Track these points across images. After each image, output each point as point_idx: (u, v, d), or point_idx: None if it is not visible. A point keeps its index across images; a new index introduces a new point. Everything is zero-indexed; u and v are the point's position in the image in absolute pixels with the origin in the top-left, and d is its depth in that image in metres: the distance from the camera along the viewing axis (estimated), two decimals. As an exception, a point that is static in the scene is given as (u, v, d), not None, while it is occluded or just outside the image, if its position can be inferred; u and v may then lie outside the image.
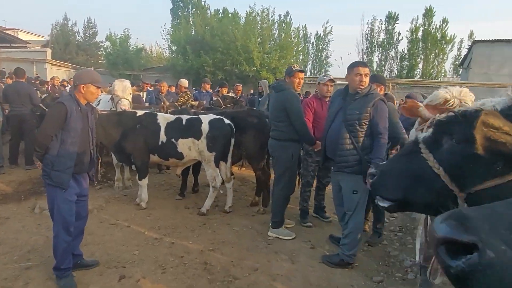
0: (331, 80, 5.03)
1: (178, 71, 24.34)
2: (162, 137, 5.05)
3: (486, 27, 60.95)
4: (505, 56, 23.06)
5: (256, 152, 5.30)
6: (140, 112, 5.21)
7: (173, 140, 5.03)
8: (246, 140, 5.27)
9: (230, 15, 27.13)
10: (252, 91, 17.72)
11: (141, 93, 9.25)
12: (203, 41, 24.42)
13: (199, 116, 5.13)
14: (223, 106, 7.19)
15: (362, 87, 3.79)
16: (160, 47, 40.64)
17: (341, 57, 67.97)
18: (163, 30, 34.78)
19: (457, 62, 37.07)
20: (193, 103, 6.69)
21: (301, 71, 4.49)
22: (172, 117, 5.17)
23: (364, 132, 3.76)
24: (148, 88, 9.83)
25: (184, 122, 5.07)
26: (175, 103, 6.94)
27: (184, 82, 8.55)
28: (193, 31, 26.49)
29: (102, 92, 8.28)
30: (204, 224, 4.92)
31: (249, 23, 24.56)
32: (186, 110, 5.89)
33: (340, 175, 4.03)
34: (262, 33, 24.44)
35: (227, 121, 5.08)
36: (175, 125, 5.06)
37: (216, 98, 8.48)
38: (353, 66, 3.84)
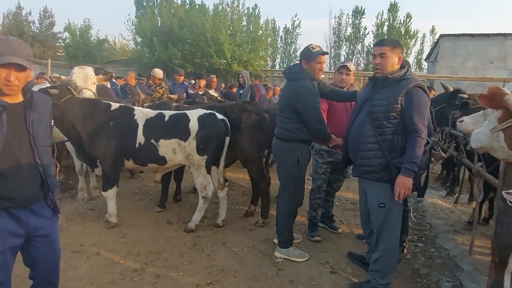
0: (345, 67, 4.14)
1: (145, 63, 22.71)
2: (140, 138, 3.91)
3: (448, 22, 62.92)
4: (469, 50, 23.37)
5: (254, 154, 4.32)
6: (114, 105, 4.05)
7: (153, 141, 3.93)
8: (242, 140, 4.26)
9: (197, 6, 25.66)
10: (223, 85, 16.66)
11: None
12: (170, 33, 22.86)
13: (186, 111, 4.06)
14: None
15: (379, 71, 2.97)
16: (125, 39, 38.39)
17: None
18: (127, 21, 32.54)
19: (420, 57, 37.80)
20: (171, 96, 5.57)
21: (324, 54, 3.51)
22: (153, 113, 4.07)
23: (393, 129, 2.89)
24: (113, 80, 8.54)
25: (167, 118, 3.97)
26: (153, 97, 5.79)
27: (158, 72, 7.40)
28: (160, 22, 24.82)
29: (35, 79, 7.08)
30: (194, 245, 3.89)
31: (219, 14, 23.31)
32: (167, 104, 4.75)
33: (365, 182, 3.16)
34: (233, 24, 23.26)
35: (220, 116, 4.06)
36: (156, 122, 3.95)
37: (191, 91, 7.38)
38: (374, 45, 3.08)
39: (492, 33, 22.88)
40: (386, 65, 2.94)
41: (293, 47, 36.92)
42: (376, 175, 2.98)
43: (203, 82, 7.50)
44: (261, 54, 24.34)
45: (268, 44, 26.13)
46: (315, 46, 3.48)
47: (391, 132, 2.89)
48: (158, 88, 7.08)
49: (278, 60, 36.70)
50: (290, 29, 36.39)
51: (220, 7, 24.13)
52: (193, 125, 3.91)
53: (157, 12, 26.26)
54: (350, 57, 35.99)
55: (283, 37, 36.69)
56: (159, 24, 24.51)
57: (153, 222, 4.45)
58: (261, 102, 7.11)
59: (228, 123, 4.06)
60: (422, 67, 37.29)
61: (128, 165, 4.02)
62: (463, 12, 66.99)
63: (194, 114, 3.99)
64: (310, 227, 4.31)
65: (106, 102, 3.98)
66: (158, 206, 4.83)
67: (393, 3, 35.10)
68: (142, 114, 4.04)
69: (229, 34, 22.24)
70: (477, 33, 23.17)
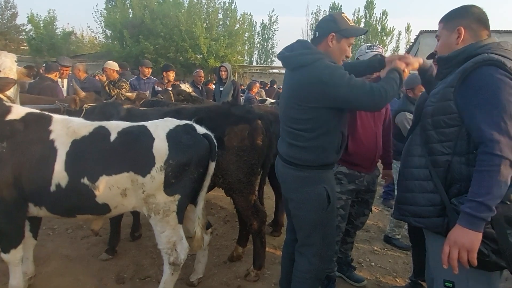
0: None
1: (115, 58, 20.74)
2: (59, 174, 2.21)
3: (424, 20, 63.48)
4: (448, 46, 22.74)
5: (242, 180, 2.87)
6: (16, 112, 2.35)
7: (85, 180, 2.23)
8: (224, 159, 2.81)
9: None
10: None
11: (61, 81, 6.35)
12: (142, 25, 21.00)
13: (145, 124, 2.45)
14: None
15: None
16: (93, 32, 35.86)
17: None
18: (95, 12, 29.92)
19: (395, 53, 37.38)
20: (127, 95, 4.03)
21: (363, 32, 2.13)
22: (86, 128, 2.36)
23: (449, 144, 1.59)
24: (70, 73, 6.87)
25: (113, 137, 2.31)
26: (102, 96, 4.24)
27: (113, 64, 5.80)
28: (131, 14, 22.82)
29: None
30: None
31: (194, 7, 21.58)
32: (114, 106, 3.19)
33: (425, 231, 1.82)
34: (209, 17, 21.62)
35: (201, 129, 2.55)
36: (93, 145, 2.28)
37: (158, 87, 5.79)
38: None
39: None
40: (440, 48, 1.75)
41: (270, 43, 35.64)
42: (426, 221, 1.67)
43: (171, 75, 5.92)
44: (238, 49, 22.85)
45: (245, 39, 24.62)
46: (345, 15, 2.09)
47: (447, 149, 1.58)
48: (120, 82, 5.51)
49: (255, 56, 35.31)
50: (267, 24, 35.05)
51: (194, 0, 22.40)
52: (160, 147, 2.28)
53: (128, 4, 24.15)
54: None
55: (260, 32, 35.32)
56: (130, 16, 22.53)
57: (98, 279, 2.96)
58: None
59: (214, 140, 2.58)
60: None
61: (39, 213, 2.37)
62: (439, 10, 67.74)
63: (160, 129, 2.36)
64: (325, 284, 2.94)
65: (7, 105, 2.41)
66: (106, 251, 3.32)
67: (369, 0, 34.49)
68: (66, 130, 2.30)
69: (205, 28, 20.64)
70: (455, 29, 22.60)
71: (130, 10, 23.16)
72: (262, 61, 35.81)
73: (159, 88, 5.72)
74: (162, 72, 6.10)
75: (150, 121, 2.49)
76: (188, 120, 2.60)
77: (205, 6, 22.33)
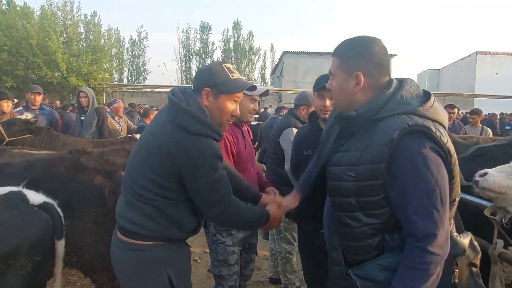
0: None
1: None
2: None
3: (287, 41, 69.58)
4: (308, 66, 25.20)
5: (105, 254, 2.11)
6: None
7: None
8: (78, 231, 2.02)
9: (18, 8, 20.27)
10: (58, 103, 13.05)
11: None
12: (-22, 37, 17.34)
13: None
14: (7, 139, 3.36)
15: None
16: None
17: (164, 63, 63.93)
18: None
19: (263, 71, 39.99)
20: None
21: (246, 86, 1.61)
22: None
23: (381, 224, 1.26)
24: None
25: None
26: None
27: None
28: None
29: None
30: None
31: (47, 18, 18.84)
32: None
33: None
34: (67, 31, 19.14)
35: (36, 197, 1.72)
36: None
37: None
38: None
39: (324, 51, 25.15)
40: (335, 91, 1.39)
41: (141, 59, 33.94)
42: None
43: (5, 106, 4.49)
44: (105, 66, 20.83)
45: (112, 55, 22.63)
46: (234, 70, 1.64)
47: (377, 230, 1.26)
48: None
49: (125, 73, 33.07)
50: (136, 40, 33.26)
51: (48, 9, 19.59)
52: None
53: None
54: (201, 71, 35.66)
55: (129, 48, 33.28)
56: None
57: None
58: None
59: (58, 210, 1.78)
60: (266, 81, 39.39)
61: None
62: (299, 32, 75.33)
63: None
64: None
65: None
66: None
67: (236, 21, 36.11)
68: None
69: (62, 42, 18.17)
70: (312, 51, 25.21)
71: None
72: (134, 79, 33.78)
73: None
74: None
75: None
76: (14, 185, 1.79)
77: (61, 18, 19.75)
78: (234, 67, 1.63)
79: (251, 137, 2.62)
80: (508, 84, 23.60)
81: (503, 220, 1.96)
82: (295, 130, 3.03)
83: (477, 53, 25.95)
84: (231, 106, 1.55)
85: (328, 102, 2.17)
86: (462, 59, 27.96)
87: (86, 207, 2.05)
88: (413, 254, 1.16)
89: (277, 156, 2.99)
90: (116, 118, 5.94)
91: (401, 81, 1.36)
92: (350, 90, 1.33)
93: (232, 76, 1.53)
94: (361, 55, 1.31)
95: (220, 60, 32.17)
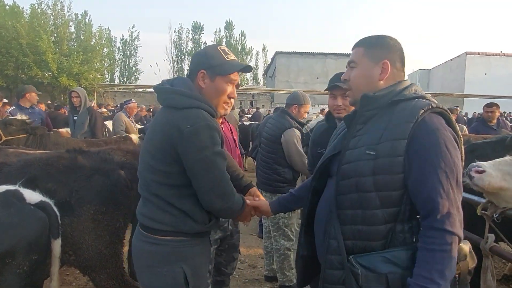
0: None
1: None
2: None
3: (280, 42, 69.58)
4: (300, 66, 25.33)
5: (103, 253, 2.13)
6: None
7: None
8: (76, 230, 2.02)
9: (7, 7, 20.00)
10: (50, 103, 12.90)
11: None
12: (-34, 36, 17.07)
13: None
14: (4, 139, 3.37)
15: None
16: None
17: (156, 63, 63.57)
18: None
19: (255, 72, 40.00)
20: None
21: (241, 67, 1.60)
22: None
23: (393, 211, 1.22)
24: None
25: None
26: None
27: None
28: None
29: None
30: None
31: (38, 17, 18.61)
32: None
33: None
34: (57, 30, 18.93)
35: (32, 195, 1.74)
36: None
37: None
38: None
39: (316, 52, 25.30)
40: (356, 78, 1.39)
41: (133, 59, 33.69)
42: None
43: None
44: (96, 66, 20.66)
45: (104, 55, 22.45)
46: (229, 52, 1.66)
47: (389, 217, 1.22)
48: None
49: (117, 73, 32.81)
50: (128, 40, 33.00)
51: (39, 9, 19.34)
52: None
53: None
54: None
55: (121, 48, 33.01)
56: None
57: None
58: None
59: (55, 209, 1.78)
60: (259, 81, 39.46)
61: None
62: (291, 32, 75.46)
63: None
64: None
65: None
66: None
67: (228, 21, 36.08)
68: None
69: (53, 42, 17.97)
70: (305, 51, 25.33)
71: None
72: (125, 79, 33.52)
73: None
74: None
75: None
76: (10, 184, 1.79)
77: (52, 17, 19.52)
78: (229, 49, 1.65)
79: (235, 136, 2.61)
80: (497, 84, 23.97)
81: (494, 215, 2.02)
82: (297, 132, 3.09)
83: (466, 53, 26.29)
84: (228, 87, 1.56)
85: (340, 101, 2.19)
86: (451, 59, 28.32)
87: (85, 205, 2.05)
88: (433, 236, 1.14)
89: (277, 156, 3.03)
90: (131, 118, 5.99)
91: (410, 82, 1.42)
92: (374, 77, 1.35)
93: (227, 57, 1.55)
94: (390, 46, 1.37)
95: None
